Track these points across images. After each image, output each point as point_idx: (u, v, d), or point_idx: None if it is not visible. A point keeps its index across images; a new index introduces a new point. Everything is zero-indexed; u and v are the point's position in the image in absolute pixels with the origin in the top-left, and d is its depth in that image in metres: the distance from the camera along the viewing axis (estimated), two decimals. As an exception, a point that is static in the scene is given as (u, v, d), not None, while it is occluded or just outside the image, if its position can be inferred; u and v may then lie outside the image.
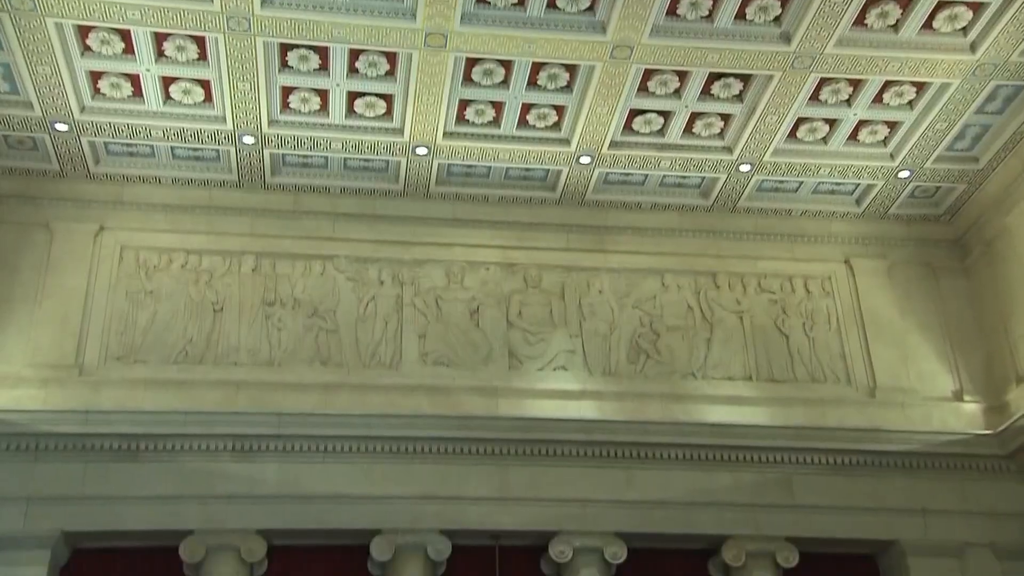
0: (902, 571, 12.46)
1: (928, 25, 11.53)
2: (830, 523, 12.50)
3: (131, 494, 11.64)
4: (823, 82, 12.23)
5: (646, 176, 13.64)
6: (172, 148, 12.98)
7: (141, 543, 11.76)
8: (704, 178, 13.70)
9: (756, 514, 12.40)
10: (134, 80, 11.98)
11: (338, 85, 12.07)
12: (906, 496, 12.70)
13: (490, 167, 13.42)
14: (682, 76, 12.10)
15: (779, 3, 11.25)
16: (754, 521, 12.36)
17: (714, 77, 12.13)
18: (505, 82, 12.13)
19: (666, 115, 12.71)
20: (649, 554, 12.35)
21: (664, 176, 13.63)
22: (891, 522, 12.58)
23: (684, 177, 13.66)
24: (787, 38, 11.52)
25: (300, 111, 12.48)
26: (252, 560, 11.66)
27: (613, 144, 12.96)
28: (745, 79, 12.20)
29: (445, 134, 12.75)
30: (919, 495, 12.72)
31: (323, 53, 11.65)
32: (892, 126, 13.04)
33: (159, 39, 11.41)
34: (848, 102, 12.58)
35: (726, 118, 12.84)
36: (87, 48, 11.49)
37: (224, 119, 12.41)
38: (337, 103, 12.34)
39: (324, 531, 11.92)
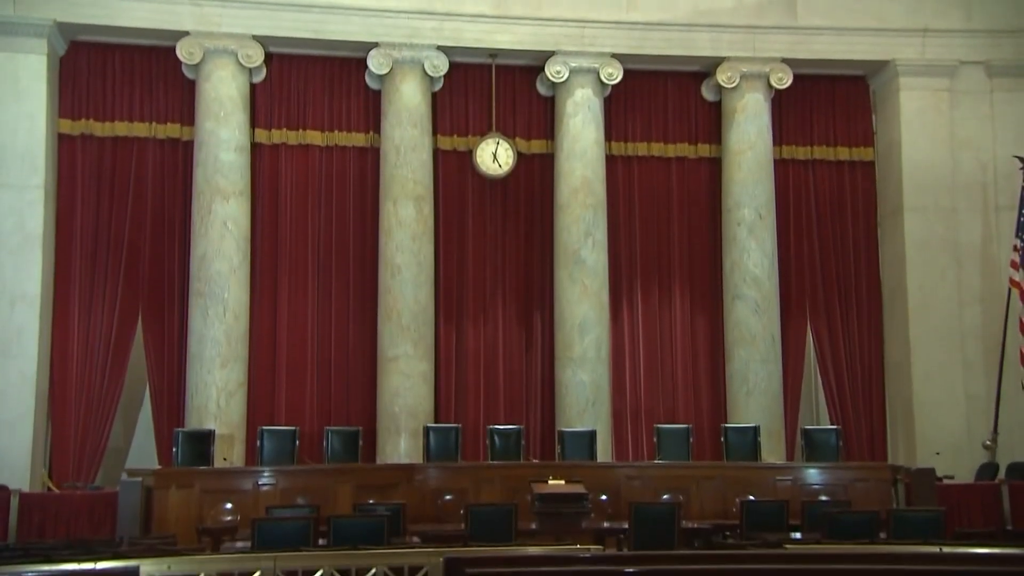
0: (892, 91, 12.60)
1: None
2: (828, 44, 12.38)
3: (121, -9, 11.37)
4: None
5: None
6: None
7: (137, 40, 11.72)
8: None
9: (754, 36, 12.25)
10: None
11: None
12: (910, 16, 12.47)
13: None
14: None
15: None
16: (751, 43, 12.25)
17: None
18: None
19: None
20: (644, 76, 12.44)
21: None
22: (889, 43, 12.48)
23: None
24: None
25: None
26: (250, 65, 11.70)
27: None
28: None
29: None
30: (923, 15, 12.49)
31: None
32: None
33: None
34: None
35: None
36: None
37: None
38: None
39: (321, 41, 11.85)
